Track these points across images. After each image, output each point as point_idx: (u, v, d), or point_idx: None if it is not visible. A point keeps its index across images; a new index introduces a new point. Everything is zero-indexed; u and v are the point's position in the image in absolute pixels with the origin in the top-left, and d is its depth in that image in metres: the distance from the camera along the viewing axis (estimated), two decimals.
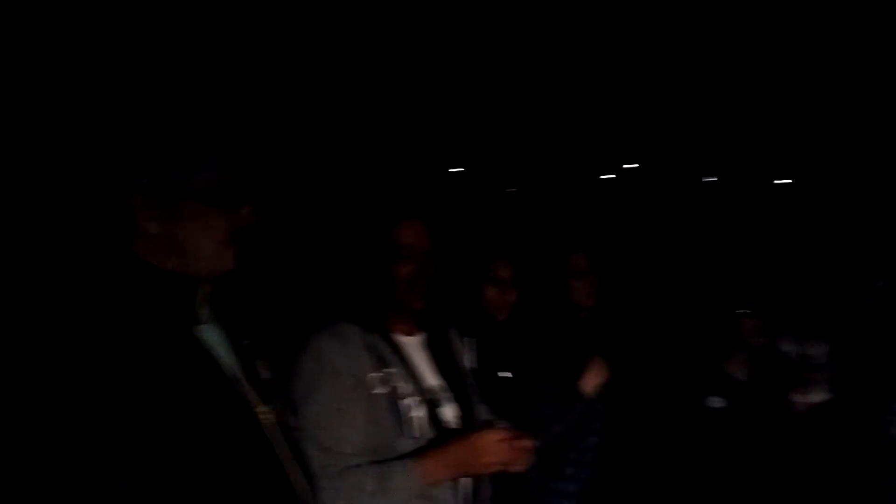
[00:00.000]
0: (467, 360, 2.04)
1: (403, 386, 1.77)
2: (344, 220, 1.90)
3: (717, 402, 2.79)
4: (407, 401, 1.76)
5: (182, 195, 1.30)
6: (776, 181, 12.53)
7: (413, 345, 1.87)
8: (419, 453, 1.72)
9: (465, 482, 1.81)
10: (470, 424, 1.82)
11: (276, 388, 1.48)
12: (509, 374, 2.45)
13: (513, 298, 2.57)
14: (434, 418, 1.78)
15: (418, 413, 1.76)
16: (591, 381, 2.54)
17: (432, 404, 1.79)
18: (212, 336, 1.35)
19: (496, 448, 1.69)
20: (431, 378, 1.85)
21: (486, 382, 2.18)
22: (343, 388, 1.72)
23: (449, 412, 1.83)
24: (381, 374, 1.75)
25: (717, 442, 2.76)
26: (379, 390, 1.74)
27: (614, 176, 12.98)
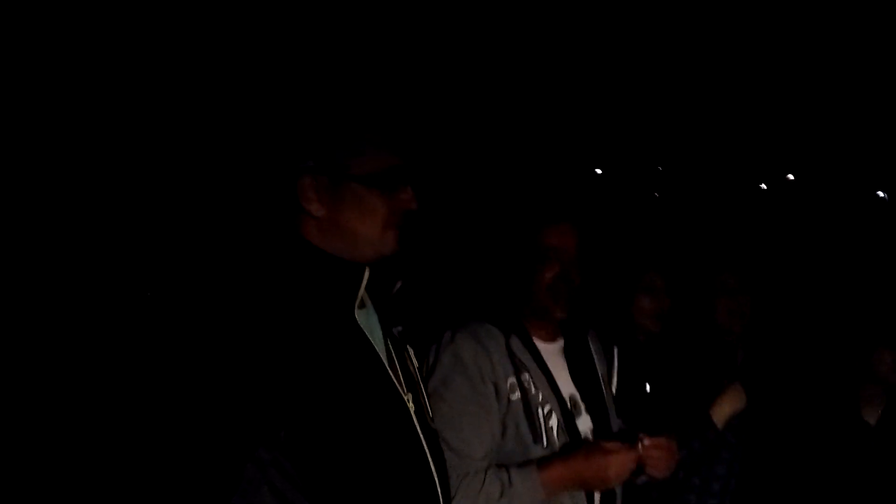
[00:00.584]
0: (609, 370, 1.99)
1: (540, 393, 1.75)
2: (495, 219, 1.91)
3: None
4: (543, 408, 1.74)
5: (346, 178, 1.33)
6: None
7: (552, 351, 1.86)
8: (546, 460, 1.70)
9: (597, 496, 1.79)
10: (603, 435, 1.80)
11: (421, 377, 1.51)
12: (648, 388, 2.38)
13: (666, 308, 2.49)
14: (569, 427, 1.76)
15: (553, 422, 1.74)
16: (724, 410, 2.42)
17: (568, 413, 1.77)
18: (369, 320, 1.38)
19: (623, 465, 1.67)
20: (568, 386, 1.83)
21: (628, 394, 2.14)
22: (476, 389, 1.71)
23: (584, 422, 1.82)
24: (518, 379, 1.74)
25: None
26: (515, 396, 1.73)
27: (765, 187, 12.33)
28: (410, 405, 1.36)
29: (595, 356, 1.95)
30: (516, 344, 1.78)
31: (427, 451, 1.36)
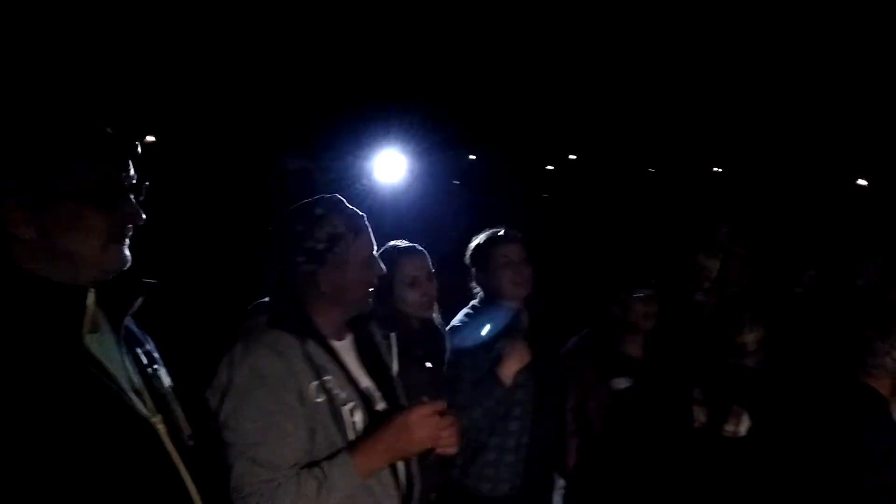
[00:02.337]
0: (392, 356, 2.02)
1: (342, 392, 1.76)
2: (266, 227, 1.86)
3: (622, 382, 2.85)
4: (347, 406, 1.75)
5: (55, 197, 1.22)
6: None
7: (344, 348, 1.87)
8: (353, 444, 1.71)
9: (403, 473, 1.83)
10: None
11: (178, 395, 1.43)
12: (429, 365, 2.43)
13: (433, 293, 2.56)
14: (373, 420, 1.78)
15: (358, 417, 1.76)
16: (511, 367, 2.54)
17: (369, 406, 1.80)
18: (102, 345, 1.30)
19: (425, 424, 1.69)
20: (364, 379, 1.86)
21: (410, 375, 2.18)
22: (279, 400, 1.68)
23: (381, 408, 1.84)
24: (320, 382, 1.73)
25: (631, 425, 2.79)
26: (320, 399, 1.72)
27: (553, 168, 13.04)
28: (160, 426, 1.31)
29: (380, 345, 1.98)
30: (313, 347, 1.77)
31: (184, 470, 1.32)
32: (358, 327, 1.91)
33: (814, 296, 3.31)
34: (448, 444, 1.77)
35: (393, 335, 1.98)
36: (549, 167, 13.95)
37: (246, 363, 1.68)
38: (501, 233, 2.76)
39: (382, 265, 1.88)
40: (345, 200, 1.84)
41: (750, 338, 2.86)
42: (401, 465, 1.83)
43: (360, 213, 1.85)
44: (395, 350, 1.96)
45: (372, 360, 1.90)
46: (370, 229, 1.86)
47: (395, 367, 1.95)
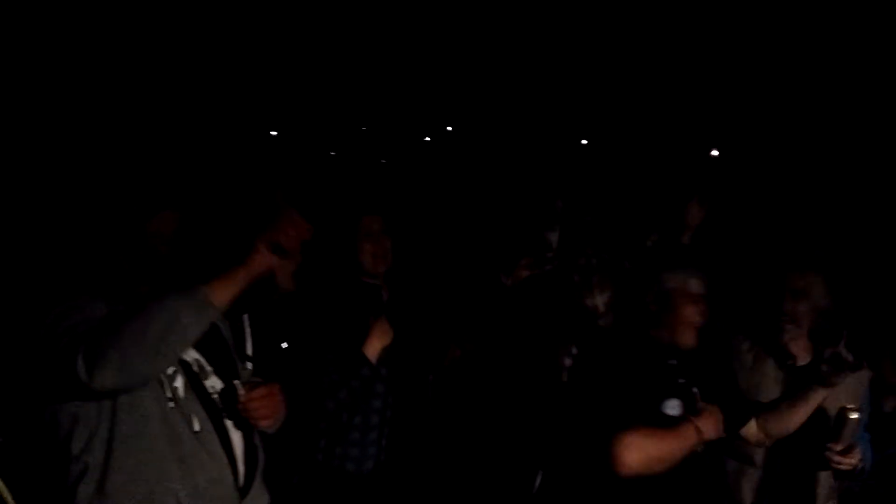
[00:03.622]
0: (241, 336, 1.99)
1: None
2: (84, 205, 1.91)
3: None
4: (168, 371, 1.82)
5: None
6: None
7: None
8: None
9: (239, 448, 1.91)
10: (233, 393, 1.88)
11: None
12: (285, 345, 2.39)
13: (294, 269, 2.50)
14: (196, 387, 1.86)
15: (178, 382, 1.83)
16: (374, 346, 2.53)
17: (193, 375, 1.86)
18: None
19: (257, 405, 1.84)
20: (191, 352, 1.89)
21: (268, 355, 2.14)
22: None
23: (213, 383, 1.91)
24: None
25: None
26: None
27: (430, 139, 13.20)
28: None
29: (220, 324, 1.99)
30: None
31: None
32: None
33: (654, 257, 3.49)
34: (262, 414, 1.88)
35: (245, 316, 1.97)
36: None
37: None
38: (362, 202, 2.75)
39: None
40: None
41: (600, 300, 2.99)
42: (237, 438, 1.91)
43: None
44: (247, 331, 1.96)
45: (205, 335, 1.89)
46: None
47: (248, 347, 1.95)
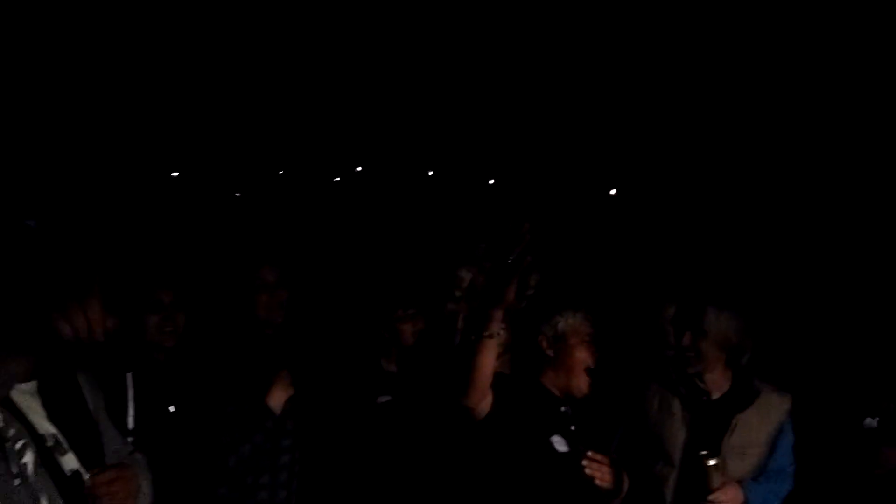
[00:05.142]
0: (122, 399, 1.83)
1: (12, 429, 1.66)
2: None
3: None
4: (16, 445, 1.66)
5: None
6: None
7: (25, 391, 1.74)
8: None
9: None
10: (77, 479, 1.74)
11: None
12: (172, 409, 2.24)
13: (181, 324, 2.39)
14: (48, 465, 1.70)
15: (28, 458, 1.67)
16: (278, 397, 2.45)
17: (46, 451, 1.71)
18: None
19: (104, 492, 1.68)
20: (46, 426, 1.75)
21: (155, 419, 1.99)
22: None
23: (69, 461, 1.75)
24: None
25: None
26: None
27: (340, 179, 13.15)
28: None
29: (87, 392, 1.88)
30: None
31: None
32: (53, 372, 1.80)
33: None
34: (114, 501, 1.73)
35: (129, 375, 1.81)
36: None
37: None
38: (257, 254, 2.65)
39: None
40: None
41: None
42: None
43: None
44: (130, 393, 1.79)
45: (64, 407, 1.79)
46: None
47: (129, 416, 1.78)
